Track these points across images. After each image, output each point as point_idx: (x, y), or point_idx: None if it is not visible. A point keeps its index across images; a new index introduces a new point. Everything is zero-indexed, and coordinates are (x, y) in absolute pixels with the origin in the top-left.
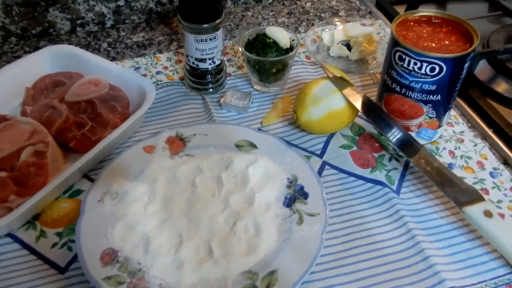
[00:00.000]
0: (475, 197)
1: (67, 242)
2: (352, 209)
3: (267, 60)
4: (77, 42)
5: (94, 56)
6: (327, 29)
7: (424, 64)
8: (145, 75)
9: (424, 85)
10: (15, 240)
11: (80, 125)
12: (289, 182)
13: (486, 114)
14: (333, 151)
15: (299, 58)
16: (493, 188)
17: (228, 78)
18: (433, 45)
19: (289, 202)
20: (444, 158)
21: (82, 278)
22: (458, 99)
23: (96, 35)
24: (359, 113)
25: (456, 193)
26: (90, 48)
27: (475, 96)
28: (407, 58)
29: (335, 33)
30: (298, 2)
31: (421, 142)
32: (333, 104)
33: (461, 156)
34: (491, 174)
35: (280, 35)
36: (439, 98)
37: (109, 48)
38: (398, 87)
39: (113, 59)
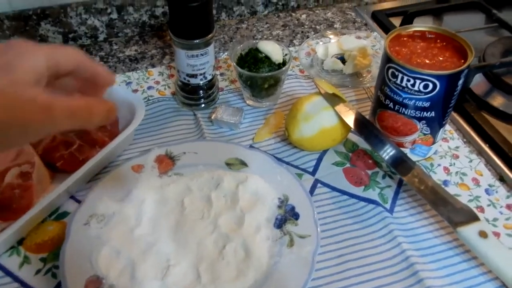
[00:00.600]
0: (470, 217)
1: (52, 268)
2: (345, 229)
3: (258, 76)
4: None
5: None
6: (321, 42)
7: (418, 81)
8: (136, 90)
9: (417, 102)
10: None
11: (68, 144)
12: (280, 202)
13: (482, 129)
14: (326, 168)
15: (293, 71)
16: (488, 205)
17: (220, 92)
18: (427, 61)
19: (279, 223)
20: (439, 175)
21: None
22: (454, 114)
23: (88, 49)
24: (352, 129)
25: (450, 212)
26: None
27: (470, 110)
28: (400, 75)
29: (329, 46)
30: (293, 14)
31: (415, 158)
32: (325, 121)
33: (456, 173)
34: (486, 191)
35: (273, 49)
36: (433, 115)
37: (101, 62)
38: (391, 103)
39: None
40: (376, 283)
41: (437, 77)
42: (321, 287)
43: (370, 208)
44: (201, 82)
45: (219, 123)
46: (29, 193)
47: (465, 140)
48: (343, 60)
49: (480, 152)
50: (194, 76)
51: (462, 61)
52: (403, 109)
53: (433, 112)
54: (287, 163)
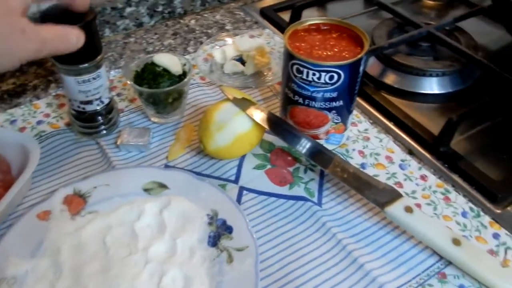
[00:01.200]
0: (393, 195)
1: None
2: (279, 231)
3: (161, 91)
4: None
5: None
6: (217, 46)
7: (323, 74)
8: (24, 128)
9: (325, 94)
10: None
11: None
12: (210, 218)
13: (384, 108)
14: (248, 174)
15: (194, 80)
16: (405, 180)
17: (121, 114)
18: (329, 53)
19: (214, 241)
20: (356, 159)
21: None
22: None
23: None
24: (267, 130)
25: (375, 194)
26: None
27: (370, 92)
28: (305, 70)
29: (226, 49)
30: (182, 21)
31: (331, 147)
32: (239, 127)
33: (371, 154)
34: (400, 166)
35: (170, 61)
36: (342, 103)
37: None
38: (300, 98)
39: None
40: (320, 278)
41: (341, 67)
42: None
43: (300, 205)
44: (99, 108)
45: (126, 147)
46: None
47: (371, 121)
48: (242, 61)
49: (387, 131)
50: (89, 102)
51: (359, 48)
52: (313, 102)
53: (341, 101)
54: (208, 176)
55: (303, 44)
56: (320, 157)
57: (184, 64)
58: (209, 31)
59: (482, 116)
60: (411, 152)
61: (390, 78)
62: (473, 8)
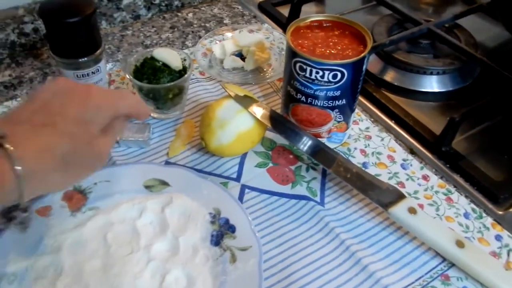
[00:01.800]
0: (397, 196)
1: None
2: (282, 231)
3: (161, 87)
4: None
5: None
6: (216, 41)
7: (326, 72)
8: None
9: (328, 92)
10: None
11: None
12: (212, 217)
13: (385, 107)
14: (249, 172)
15: (193, 75)
16: (407, 179)
17: None
18: (332, 51)
19: (217, 240)
20: (358, 158)
21: None
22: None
23: None
24: (269, 128)
25: (378, 195)
26: None
27: (371, 90)
28: (309, 68)
29: (225, 44)
30: (179, 14)
31: (333, 146)
32: (241, 125)
33: (372, 153)
34: (402, 166)
35: (170, 56)
36: (345, 102)
37: None
38: (303, 97)
39: None
40: (324, 279)
41: (344, 66)
42: None
43: (302, 205)
44: None
45: (126, 143)
46: None
47: (372, 119)
48: (241, 56)
49: (389, 129)
50: None
51: (362, 46)
52: (316, 100)
53: (344, 100)
54: (210, 173)
55: (305, 42)
56: (322, 156)
57: (184, 59)
58: (207, 24)
59: (482, 116)
60: (412, 151)
61: (390, 76)
62: (472, 5)
